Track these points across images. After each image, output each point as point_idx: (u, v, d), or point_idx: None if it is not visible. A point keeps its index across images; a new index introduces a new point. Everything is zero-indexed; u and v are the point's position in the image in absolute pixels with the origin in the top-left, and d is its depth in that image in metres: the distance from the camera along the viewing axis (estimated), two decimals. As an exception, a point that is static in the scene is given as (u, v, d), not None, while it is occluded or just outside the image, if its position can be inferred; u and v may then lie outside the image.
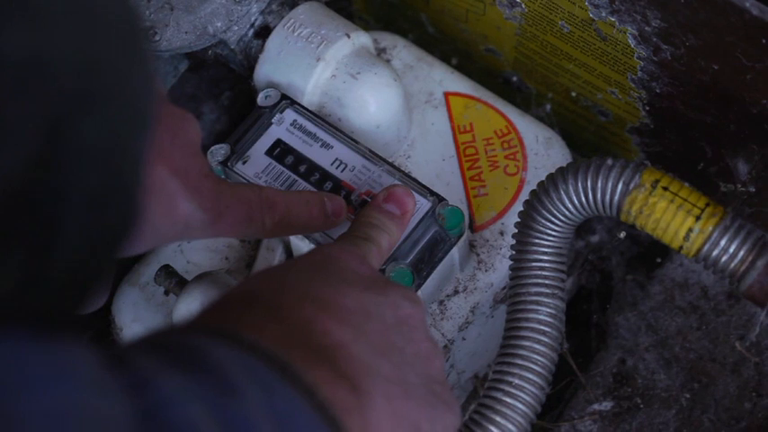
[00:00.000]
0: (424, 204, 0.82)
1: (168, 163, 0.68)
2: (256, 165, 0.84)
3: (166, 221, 0.69)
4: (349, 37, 0.88)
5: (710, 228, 0.76)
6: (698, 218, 0.76)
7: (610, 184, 0.77)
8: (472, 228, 0.89)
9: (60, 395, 0.40)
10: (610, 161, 0.78)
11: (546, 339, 0.79)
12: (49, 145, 0.41)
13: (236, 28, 0.89)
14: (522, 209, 0.81)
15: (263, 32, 0.89)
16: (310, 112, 0.86)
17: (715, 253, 0.76)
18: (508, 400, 0.78)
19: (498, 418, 0.78)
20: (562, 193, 0.79)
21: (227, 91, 1.05)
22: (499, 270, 0.88)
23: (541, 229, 0.80)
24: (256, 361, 0.49)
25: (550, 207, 0.79)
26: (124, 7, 0.45)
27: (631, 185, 0.77)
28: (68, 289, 0.45)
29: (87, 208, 0.43)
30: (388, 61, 0.93)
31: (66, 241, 0.43)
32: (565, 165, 0.80)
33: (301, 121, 0.86)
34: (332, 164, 0.84)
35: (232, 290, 0.58)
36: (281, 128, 0.86)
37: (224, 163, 0.84)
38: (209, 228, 0.71)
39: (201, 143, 0.73)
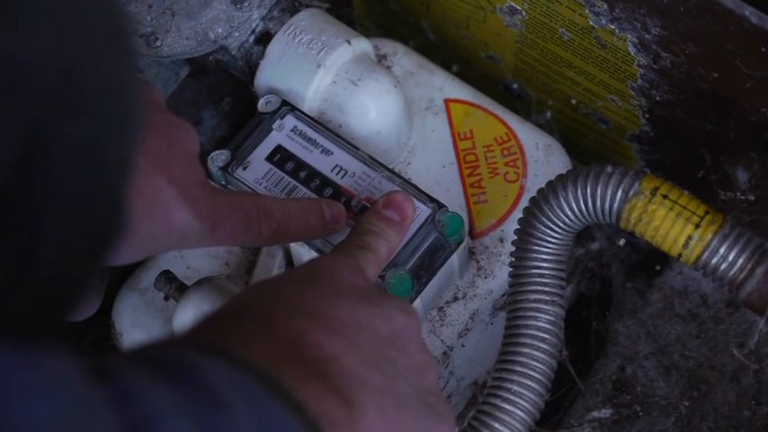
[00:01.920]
0: (423, 211, 0.82)
1: (165, 172, 0.68)
2: (256, 171, 0.84)
3: (163, 230, 0.69)
4: (350, 43, 0.88)
5: (710, 235, 0.76)
6: (697, 225, 0.76)
7: (609, 192, 0.77)
8: (472, 235, 0.89)
9: (43, 414, 0.39)
10: (609, 168, 0.78)
11: (545, 346, 0.79)
12: (31, 147, 0.40)
13: (237, 34, 0.89)
14: (521, 216, 0.82)
15: (264, 39, 0.89)
16: (311, 118, 0.86)
17: (714, 261, 0.76)
18: (507, 406, 0.78)
19: (497, 425, 0.78)
20: (561, 200, 0.79)
21: (228, 97, 1.05)
22: (499, 277, 0.88)
23: (541, 236, 0.80)
24: (246, 377, 0.49)
25: (550, 214, 0.79)
26: (111, 9, 0.44)
27: (631, 193, 0.77)
28: (53, 294, 0.44)
29: (72, 211, 0.43)
30: (388, 68, 0.94)
31: (50, 245, 0.42)
32: (564, 172, 0.80)
33: (302, 127, 0.86)
34: (332, 170, 0.84)
35: (225, 304, 0.58)
36: (282, 134, 0.86)
37: (224, 169, 0.84)
38: (205, 237, 0.71)
39: (201, 150, 0.73)
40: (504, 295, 0.88)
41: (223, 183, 0.84)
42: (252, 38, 0.90)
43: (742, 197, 0.88)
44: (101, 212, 0.45)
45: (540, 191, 0.80)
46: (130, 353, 0.50)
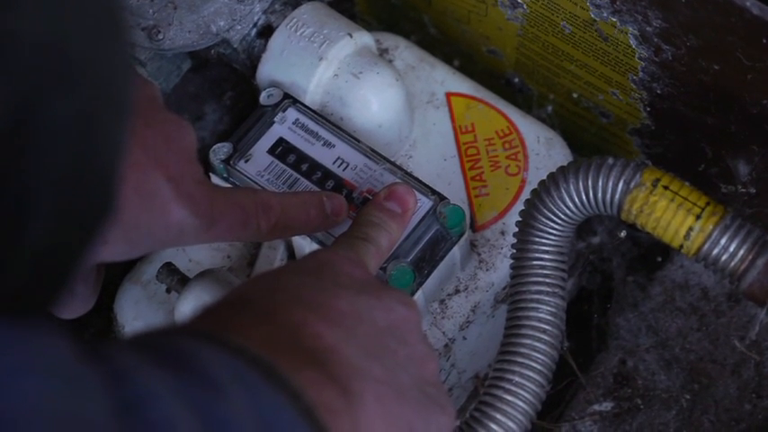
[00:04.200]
0: (425, 203, 0.82)
1: (163, 169, 0.68)
2: (258, 163, 0.85)
3: (160, 227, 0.69)
4: (351, 37, 0.88)
5: (711, 226, 0.76)
6: (698, 217, 0.77)
7: (611, 183, 0.78)
8: (473, 227, 0.89)
9: (31, 391, 0.39)
10: (610, 160, 0.78)
11: (546, 338, 0.79)
12: (19, 123, 0.40)
13: (239, 27, 0.89)
14: (522, 208, 0.82)
15: (266, 32, 0.89)
16: (312, 111, 0.86)
17: (715, 252, 0.76)
18: (508, 397, 0.78)
19: (499, 416, 0.78)
20: (563, 191, 0.79)
21: (230, 90, 1.06)
22: (500, 269, 0.88)
23: (542, 227, 0.80)
24: (243, 364, 0.49)
25: (551, 206, 0.79)
26: None
27: (632, 184, 0.77)
28: (42, 272, 0.44)
29: (60, 188, 0.43)
30: (390, 62, 0.94)
31: (38, 221, 0.42)
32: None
33: (303, 119, 0.86)
34: (334, 162, 0.85)
35: (225, 295, 0.58)
36: (284, 126, 0.86)
37: (226, 161, 0.84)
38: (202, 234, 0.71)
39: (199, 147, 0.73)
40: (505, 288, 0.88)
41: (225, 175, 0.85)
42: (254, 31, 0.90)
43: (743, 190, 0.88)
44: (90, 191, 0.44)
45: (542, 183, 0.80)
46: (127, 340, 0.50)
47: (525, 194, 0.88)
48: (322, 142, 0.85)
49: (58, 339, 0.42)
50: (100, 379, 0.42)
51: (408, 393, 0.57)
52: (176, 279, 0.84)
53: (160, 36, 0.88)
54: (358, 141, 0.85)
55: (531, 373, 0.78)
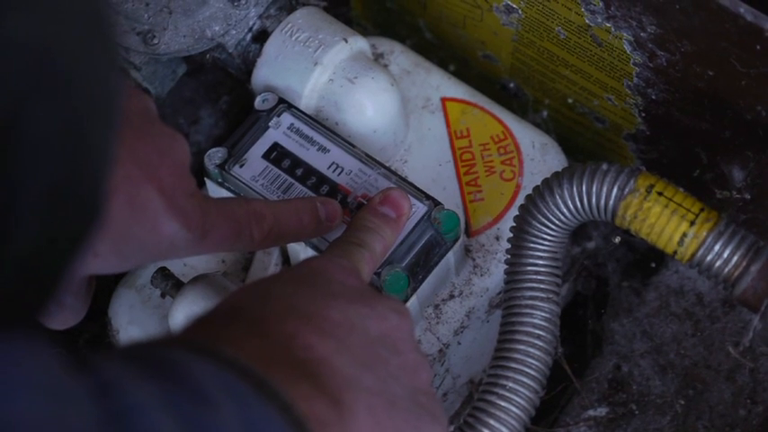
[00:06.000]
0: (420, 208, 0.82)
1: (155, 182, 0.68)
2: (253, 168, 0.85)
3: (151, 240, 0.69)
4: (346, 41, 0.88)
5: (705, 233, 0.76)
6: (692, 223, 0.77)
7: (605, 189, 0.78)
8: (468, 233, 0.89)
9: (18, 404, 0.39)
10: (605, 166, 0.78)
11: (540, 343, 0.79)
12: (3, 131, 0.40)
13: (234, 32, 0.89)
14: (517, 213, 0.82)
15: (261, 37, 0.89)
16: (307, 115, 0.86)
17: (709, 258, 0.76)
18: (502, 403, 0.78)
19: (492, 422, 0.78)
20: (557, 197, 0.79)
21: (225, 95, 1.06)
22: (495, 275, 0.88)
23: (536, 233, 0.80)
24: (233, 376, 0.49)
25: (545, 211, 0.79)
26: None
27: (626, 190, 0.77)
28: (28, 283, 0.44)
29: (46, 198, 0.42)
30: (385, 66, 0.94)
31: (23, 234, 0.42)
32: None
33: (298, 124, 0.86)
34: (328, 167, 0.85)
35: (218, 305, 0.58)
36: (278, 131, 0.86)
37: (221, 166, 0.84)
38: (194, 246, 0.71)
39: (195, 149, 0.73)
40: (500, 293, 0.88)
41: (220, 180, 0.85)
42: (249, 36, 0.90)
43: (738, 196, 0.89)
44: (77, 199, 0.44)
45: (536, 188, 0.81)
46: (117, 350, 0.50)
47: (520, 200, 0.88)
48: (317, 147, 0.85)
49: (44, 352, 0.41)
50: (87, 391, 0.42)
51: (400, 403, 0.57)
52: (171, 284, 0.84)
53: (155, 40, 0.88)
54: (353, 146, 0.85)
55: (524, 379, 0.78)
